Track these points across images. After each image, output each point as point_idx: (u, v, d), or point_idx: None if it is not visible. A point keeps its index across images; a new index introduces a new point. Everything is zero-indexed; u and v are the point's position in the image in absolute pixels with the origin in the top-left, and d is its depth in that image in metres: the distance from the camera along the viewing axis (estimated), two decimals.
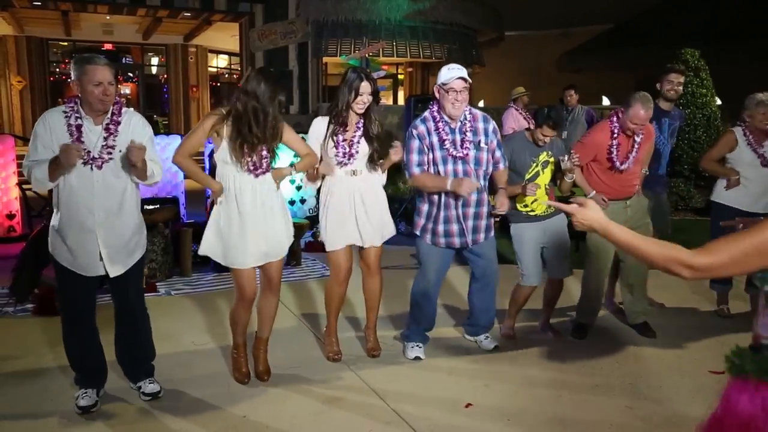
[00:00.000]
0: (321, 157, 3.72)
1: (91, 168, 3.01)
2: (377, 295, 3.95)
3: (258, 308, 3.63)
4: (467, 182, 3.59)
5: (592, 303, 4.30)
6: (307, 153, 3.60)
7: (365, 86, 3.61)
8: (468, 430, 3.07)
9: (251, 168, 3.32)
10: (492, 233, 3.91)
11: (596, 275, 4.23)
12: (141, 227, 3.30)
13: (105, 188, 3.05)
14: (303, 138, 3.69)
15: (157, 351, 3.50)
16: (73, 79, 2.99)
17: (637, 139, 4.04)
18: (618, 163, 4.02)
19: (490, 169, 3.81)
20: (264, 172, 3.38)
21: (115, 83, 3.02)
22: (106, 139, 3.04)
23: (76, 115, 3.02)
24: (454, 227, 3.76)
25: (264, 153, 3.36)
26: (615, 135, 4.05)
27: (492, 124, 3.83)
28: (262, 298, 3.61)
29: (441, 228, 3.77)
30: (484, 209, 3.80)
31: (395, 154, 3.72)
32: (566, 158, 3.87)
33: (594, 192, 4.09)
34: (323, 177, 3.75)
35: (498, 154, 3.83)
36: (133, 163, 2.96)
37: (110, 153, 3.04)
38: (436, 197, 3.75)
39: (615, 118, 4.09)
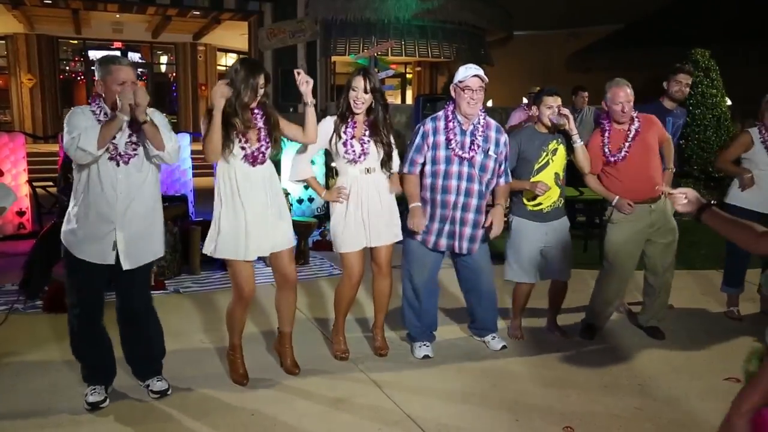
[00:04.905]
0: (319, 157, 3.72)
1: (118, 164, 3.06)
2: (387, 296, 3.94)
3: (276, 305, 3.65)
4: (419, 221, 3.66)
5: (608, 306, 4.26)
6: (299, 127, 3.53)
7: (358, 81, 3.60)
8: (477, 430, 3.06)
9: (249, 158, 3.31)
10: (479, 245, 3.86)
11: (617, 280, 4.18)
12: (159, 225, 3.31)
13: (129, 182, 3.10)
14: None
15: (166, 348, 3.51)
16: (97, 79, 3.05)
17: (634, 126, 3.99)
18: (609, 156, 3.99)
19: (494, 179, 3.81)
20: (262, 162, 3.36)
21: (137, 82, 3.08)
22: (130, 135, 3.09)
23: (105, 113, 3.08)
24: (446, 228, 3.75)
25: (261, 142, 3.35)
26: (605, 130, 4.04)
27: (504, 137, 3.82)
28: (279, 295, 3.61)
29: (435, 226, 3.76)
30: (482, 218, 3.79)
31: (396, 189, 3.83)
32: (556, 112, 3.83)
33: (618, 197, 4.03)
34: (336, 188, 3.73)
35: (503, 167, 3.83)
36: (138, 104, 2.92)
37: (135, 149, 3.11)
38: (430, 194, 3.74)
39: (604, 119, 4.10)
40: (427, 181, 3.76)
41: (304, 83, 3.36)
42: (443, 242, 3.79)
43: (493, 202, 3.88)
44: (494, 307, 4.06)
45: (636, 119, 4.01)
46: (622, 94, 3.92)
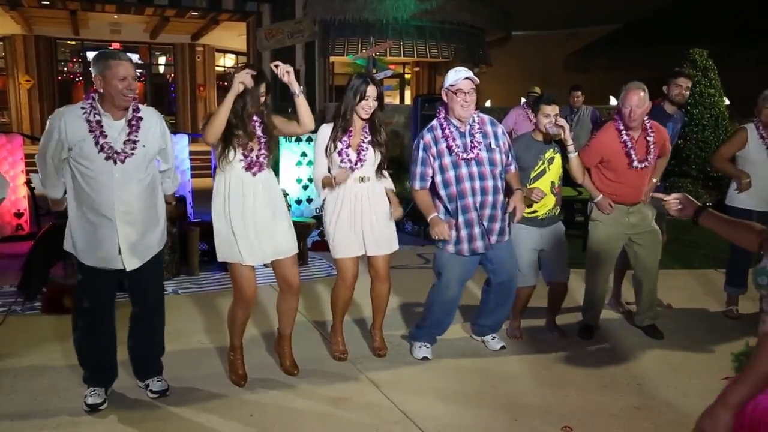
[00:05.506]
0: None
1: (115, 162, 3.03)
2: (385, 299, 3.93)
3: (278, 308, 3.64)
4: (440, 228, 3.57)
5: (595, 303, 4.29)
6: (294, 119, 3.48)
7: (371, 90, 3.59)
8: (476, 430, 3.07)
9: (247, 166, 3.31)
10: (508, 236, 3.83)
11: (598, 275, 4.21)
12: (161, 221, 3.30)
13: (126, 181, 3.06)
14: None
15: (165, 349, 3.51)
16: (95, 74, 2.99)
17: (650, 139, 3.99)
18: (636, 162, 3.95)
19: (504, 170, 3.79)
20: (260, 170, 3.35)
21: (136, 79, 3.07)
22: (129, 134, 3.06)
23: (95, 111, 3.03)
24: (476, 230, 3.69)
25: (261, 151, 3.35)
26: (622, 132, 3.98)
27: (500, 127, 3.81)
28: (281, 299, 3.60)
29: (464, 233, 3.68)
30: (499, 212, 3.75)
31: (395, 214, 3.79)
32: (552, 122, 3.82)
33: (601, 196, 4.06)
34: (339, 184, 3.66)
35: (509, 156, 3.82)
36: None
37: (133, 147, 3.06)
38: (449, 205, 3.70)
39: (617, 118, 4.05)
40: (442, 193, 3.70)
41: (285, 74, 3.29)
42: (479, 244, 3.71)
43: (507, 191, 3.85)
44: (507, 305, 4.03)
45: (650, 130, 4.00)
46: (635, 99, 3.86)
